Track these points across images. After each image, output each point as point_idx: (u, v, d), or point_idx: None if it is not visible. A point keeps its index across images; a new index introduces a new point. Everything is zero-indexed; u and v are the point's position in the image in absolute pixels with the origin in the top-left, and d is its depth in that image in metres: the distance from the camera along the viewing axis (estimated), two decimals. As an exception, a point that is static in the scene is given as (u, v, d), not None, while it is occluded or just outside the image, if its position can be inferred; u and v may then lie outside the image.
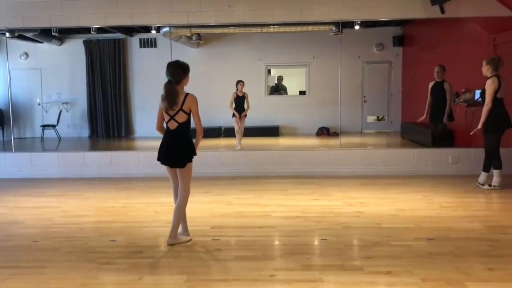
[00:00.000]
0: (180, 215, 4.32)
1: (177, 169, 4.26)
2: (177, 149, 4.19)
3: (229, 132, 10.23)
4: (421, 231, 4.57)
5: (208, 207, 5.66)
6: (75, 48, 12.56)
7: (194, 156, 4.26)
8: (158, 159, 4.31)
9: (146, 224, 5.01)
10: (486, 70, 6.12)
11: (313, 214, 5.24)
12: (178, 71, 4.15)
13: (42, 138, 11.69)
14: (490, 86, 5.99)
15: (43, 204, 5.98)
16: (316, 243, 4.38)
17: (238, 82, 9.50)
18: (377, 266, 3.68)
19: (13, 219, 5.31)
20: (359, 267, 3.66)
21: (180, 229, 4.39)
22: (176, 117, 4.14)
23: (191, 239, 4.38)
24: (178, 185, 4.32)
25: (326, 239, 4.39)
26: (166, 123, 4.23)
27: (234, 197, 6.19)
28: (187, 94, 4.14)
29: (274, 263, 3.84)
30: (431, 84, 7.94)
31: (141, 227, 4.90)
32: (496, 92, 5.98)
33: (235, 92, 9.43)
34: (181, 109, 4.11)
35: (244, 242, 4.37)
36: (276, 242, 4.44)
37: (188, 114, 4.17)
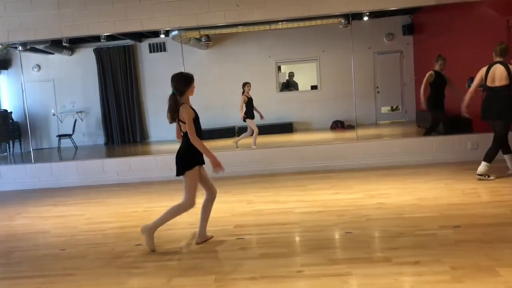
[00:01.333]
0: (164, 216, 4.29)
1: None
2: (177, 157, 4.24)
3: (243, 132, 10.24)
4: (445, 219, 4.52)
5: (229, 207, 5.67)
6: (86, 57, 12.68)
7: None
8: None
9: (170, 227, 5.00)
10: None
11: (334, 208, 5.23)
12: (180, 83, 4.17)
13: (59, 148, 11.82)
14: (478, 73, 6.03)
15: (66, 213, 6.06)
16: (340, 237, 4.36)
17: (246, 84, 9.40)
18: (404, 256, 3.65)
19: (38, 229, 5.39)
20: (386, 259, 3.64)
21: (150, 225, 4.33)
22: (182, 127, 4.20)
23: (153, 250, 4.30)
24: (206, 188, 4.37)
25: (350, 232, 4.37)
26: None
27: (253, 195, 6.20)
28: (181, 104, 4.15)
29: (300, 259, 3.83)
30: (432, 73, 7.94)
31: (165, 230, 4.90)
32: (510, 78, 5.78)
33: (245, 95, 9.33)
34: (179, 119, 4.15)
35: (268, 240, 4.38)
36: (300, 238, 4.43)
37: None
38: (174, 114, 4.15)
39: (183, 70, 4.33)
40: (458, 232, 4.13)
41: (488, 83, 5.93)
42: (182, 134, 4.24)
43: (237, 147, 9.19)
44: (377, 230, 4.45)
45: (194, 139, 4.12)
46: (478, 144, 7.33)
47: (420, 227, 4.35)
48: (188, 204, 4.24)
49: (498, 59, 5.91)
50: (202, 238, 4.44)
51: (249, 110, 9.32)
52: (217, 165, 4.15)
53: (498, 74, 5.83)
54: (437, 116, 8.19)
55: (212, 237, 4.54)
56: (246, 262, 3.85)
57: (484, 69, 6.00)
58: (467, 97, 6.13)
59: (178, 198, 6.34)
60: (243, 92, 9.32)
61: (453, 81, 8.65)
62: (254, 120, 9.32)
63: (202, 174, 4.36)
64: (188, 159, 4.20)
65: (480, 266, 3.36)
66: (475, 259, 3.49)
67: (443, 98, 8.09)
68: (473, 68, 8.27)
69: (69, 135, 11.82)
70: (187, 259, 4.05)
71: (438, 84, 7.97)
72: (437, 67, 8.00)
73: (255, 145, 9.27)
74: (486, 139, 7.29)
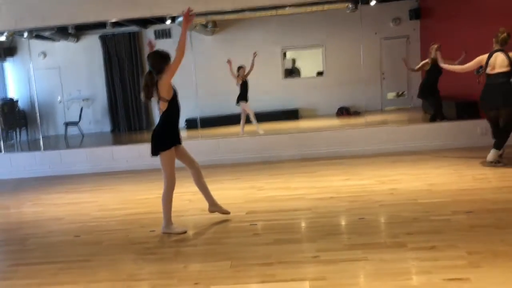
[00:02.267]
0: (164, 205, 4.34)
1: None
2: (153, 137, 4.23)
3: (248, 118, 10.23)
4: (458, 205, 4.54)
5: (240, 193, 5.69)
6: (92, 44, 12.63)
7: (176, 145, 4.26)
8: None
9: (183, 213, 5.07)
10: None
11: (346, 194, 5.25)
12: (156, 61, 4.14)
13: (65, 135, 11.84)
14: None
15: (78, 200, 6.09)
16: (354, 222, 4.38)
17: (241, 67, 9.43)
18: (420, 241, 3.67)
19: (51, 216, 5.43)
20: (401, 244, 3.66)
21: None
22: (160, 105, 4.15)
23: (185, 231, 4.36)
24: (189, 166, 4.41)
25: (364, 218, 4.39)
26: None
27: (264, 182, 6.21)
28: (157, 81, 4.09)
29: (315, 244, 3.85)
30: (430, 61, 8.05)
31: (178, 216, 4.93)
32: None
33: (241, 77, 9.37)
34: (160, 97, 4.10)
35: (281, 226, 4.40)
36: (314, 224, 4.44)
37: (168, 102, 4.12)
38: (148, 91, 4.10)
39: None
40: (472, 218, 4.14)
41: (489, 71, 5.92)
42: (159, 113, 4.20)
43: (243, 134, 9.20)
44: (390, 215, 4.46)
45: (180, 51, 4.03)
46: (487, 130, 7.29)
47: (433, 212, 4.36)
48: (170, 183, 4.30)
49: (498, 47, 5.91)
50: (214, 207, 4.57)
51: (243, 93, 9.32)
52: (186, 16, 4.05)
53: (499, 61, 5.84)
54: (433, 103, 8.21)
55: (228, 212, 4.61)
56: (260, 248, 3.87)
57: (485, 57, 5.99)
58: (454, 67, 6.37)
59: (188, 185, 6.42)
60: (239, 76, 9.37)
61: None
62: (248, 104, 9.31)
63: (181, 151, 4.36)
64: (164, 139, 4.19)
65: (496, 251, 3.37)
66: (490, 244, 3.51)
67: (437, 85, 8.21)
68: (481, 53, 8.24)
69: (76, 123, 11.83)
70: (202, 245, 4.08)
71: (434, 72, 8.00)
72: (433, 55, 7.97)
73: (243, 132, 9.25)
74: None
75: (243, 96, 9.30)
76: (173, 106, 4.17)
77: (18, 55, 12.26)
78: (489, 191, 4.93)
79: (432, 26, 11.66)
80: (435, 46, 7.74)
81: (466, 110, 8.33)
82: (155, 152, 4.25)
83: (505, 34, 5.87)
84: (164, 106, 4.13)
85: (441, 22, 10.99)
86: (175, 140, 4.28)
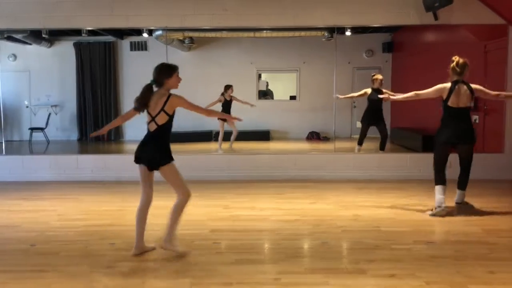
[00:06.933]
0: (173, 218, 4.12)
1: (160, 171, 4.08)
2: (153, 151, 4.04)
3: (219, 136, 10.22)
4: (419, 235, 4.61)
5: (205, 211, 5.63)
6: (65, 50, 12.42)
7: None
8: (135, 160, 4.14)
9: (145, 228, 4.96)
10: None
11: (311, 218, 5.26)
12: (158, 72, 4.05)
13: (30, 141, 11.51)
14: None
15: (37, 208, 5.89)
16: (317, 246, 4.38)
17: (230, 86, 9.52)
18: (381, 269, 3.70)
19: (8, 223, 5.22)
20: (362, 270, 3.68)
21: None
22: (157, 119, 3.99)
23: (185, 254, 4.13)
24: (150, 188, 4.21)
25: (326, 242, 4.40)
26: (147, 124, 4.09)
27: (230, 201, 6.17)
28: (170, 94, 4.01)
29: (277, 266, 3.83)
30: (369, 90, 8.44)
31: (139, 231, 4.86)
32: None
33: (223, 96, 9.46)
34: (162, 109, 3.96)
35: (245, 246, 4.36)
36: (277, 246, 4.43)
37: (170, 116, 4.02)
38: (141, 102, 3.99)
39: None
40: (432, 248, 4.22)
41: (453, 104, 5.36)
42: (156, 127, 4.00)
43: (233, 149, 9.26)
44: (353, 241, 4.49)
45: (201, 109, 4.17)
46: (450, 163, 7.49)
47: (395, 240, 4.42)
48: (184, 197, 4.08)
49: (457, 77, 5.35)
50: (140, 250, 4.15)
51: (226, 112, 9.38)
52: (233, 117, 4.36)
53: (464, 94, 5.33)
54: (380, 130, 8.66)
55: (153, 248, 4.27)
56: (222, 267, 3.82)
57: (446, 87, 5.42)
58: (400, 97, 6.03)
59: (153, 199, 6.30)
60: (223, 94, 9.42)
61: (427, 100, 8.85)
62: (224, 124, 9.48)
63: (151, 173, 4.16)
64: (166, 152, 4.06)
65: (453, 282, 3.44)
66: (448, 275, 3.57)
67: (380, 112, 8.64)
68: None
69: (42, 129, 11.53)
70: (162, 261, 3.99)
71: (374, 101, 8.32)
72: (375, 85, 8.38)
73: (221, 149, 9.30)
74: (458, 159, 7.51)
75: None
76: (171, 122, 4.08)
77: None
78: (450, 223, 5.03)
79: (403, 60, 12.02)
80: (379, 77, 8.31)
81: (431, 143, 8.54)
82: (157, 165, 4.06)
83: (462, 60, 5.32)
84: (164, 120, 4.00)
85: (412, 56, 11.35)
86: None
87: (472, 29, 7.79)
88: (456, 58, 5.39)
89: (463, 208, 5.51)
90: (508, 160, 7.43)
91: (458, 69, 5.33)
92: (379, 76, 8.47)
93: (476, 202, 5.80)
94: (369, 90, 8.49)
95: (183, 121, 10.62)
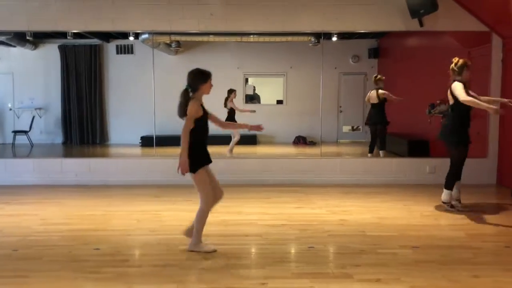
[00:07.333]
0: (197, 223, 4.26)
1: None
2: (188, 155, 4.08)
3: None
4: (405, 239, 4.64)
5: (191, 215, 5.49)
6: (50, 53, 12.28)
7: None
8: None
9: (130, 233, 4.92)
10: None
11: (298, 222, 5.26)
12: (195, 79, 4.14)
13: (13, 144, 11.34)
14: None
15: (19, 212, 5.79)
16: (303, 251, 4.38)
17: (233, 91, 9.62)
18: (366, 273, 3.71)
19: (-11, 227, 5.13)
20: (348, 275, 3.69)
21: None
22: (186, 123, 4.07)
23: (215, 250, 4.25)
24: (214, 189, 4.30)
25: (313, 247, 4.40)
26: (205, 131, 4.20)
27: (217, 205, 6.12)
28: (191, 99, 4.08)
29: (263, 271, 3.82)
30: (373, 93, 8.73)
31: (124, 235, 4.82)
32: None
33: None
34: (186, 114, 4.05)
35: (231, 251, 4.34)
36: (264, 250, 4.42)
37: (199, 121, 4.06)
38: (182, 110, 4.05)
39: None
40: (417, 253, 4.25)
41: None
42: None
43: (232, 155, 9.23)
44: (339, 246, 4.50)
45: (184, 134, 4.01)
46: (435, 168, 7.59)
47: (381, 245, 4.44)
48: (206, 202, 4.18)
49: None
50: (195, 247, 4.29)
51: (231, 116, 9.41)
52: (183, 168, 4.02)
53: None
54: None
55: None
56: (209, 272, 3.80)
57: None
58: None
59: (138, 203, 6.28)
60: (229, 98, 9.49)
61: (413, 106, 8.99)
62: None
63: (209, 172, 4.24)
64: (194, 158, 4.06)
65: (438, 286, 3.47)
66: (433, 280, 3.60)
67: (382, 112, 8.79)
68: (433, 95, 8.64)
69: (26, 132, 11.37)
70: (148, 266, 3.95)
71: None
72: (380, 85, 8.69)
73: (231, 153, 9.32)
74: (443, 164, 7.55)
75: (232, 120, 9.41)
76: (200, 126, 4.08)
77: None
78: (435, 228, 5.08)
79: (389, 66, 12.13)
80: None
81: (416, 148, 8.67)
82: (191, 170, 4.08)
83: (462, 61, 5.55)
84: (191, 124, 4.01)
85: (398, 62, 11.46)
86: (206, 159, 4.18)
87: (457, 35, 7.90)
88: (455, 59, 5.63)
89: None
90: (492, 164, 7.53)
91: (456, 70, 5.56)
92: (383, 77, 8.84)
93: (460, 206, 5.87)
94: (373, 93, 8.75)
95: (168, 125, 10.60)
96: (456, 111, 5.59)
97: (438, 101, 9.02)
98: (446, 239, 4.66)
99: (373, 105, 8.76)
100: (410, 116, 8.79)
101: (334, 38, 8.54)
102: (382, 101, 8.63)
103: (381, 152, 8.59)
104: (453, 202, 5.75)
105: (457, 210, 5.70)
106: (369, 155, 8.69)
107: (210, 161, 4.23)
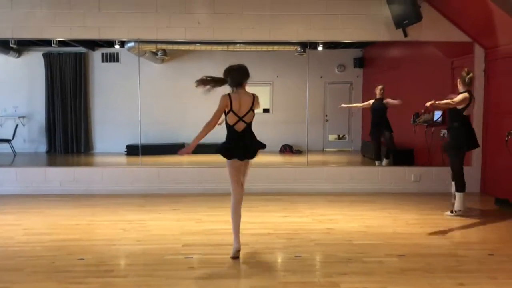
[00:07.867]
0: (231, 218, 4.45)
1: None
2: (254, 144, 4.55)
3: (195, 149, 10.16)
4: (391, 248, 4.66)
5: (177, 225, 5.55)
6: (34, 61, 12.15)
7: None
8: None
9: (115, 242, 4.86)
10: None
11: (284, 231, 5.26)
12: (242, 73, 4.70)
13: (-5, 153, 11.17)
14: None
15: (1, 222, 5.69)
16: (290, 260, 4.37)
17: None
18: (353, 282, 3.72)
19: (-30, 238, 5.02)
20: (335, 284, 3.68)
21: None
22: (246, 118, 4.44)
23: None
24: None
25: (300, 256, 4.40)
26: (234, 125, 4.40)
27: (203, 214, 6.11)
28: (253, 94, 4.53)
29: (250, 281, 3.81)
30: (372, 101, 8.94)
31: (109, 245, 4.75)
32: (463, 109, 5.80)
33: None
34: (251, 109, 4.45)
35: (217, 260, 4.31)
36: (250, 260, 4.39)
37: (225, 114, 4.43)
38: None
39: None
40: (403, 261, 4.26)
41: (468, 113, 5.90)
42: (245, 125, 4.47)
43: None
44: (325, 255, 4.50)
45: (207, 123, 4.39)
46: (420, 177, 7.66)
47: (367, 254, 4.45)
48: (233, 195, 4.45)
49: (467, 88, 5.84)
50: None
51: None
52: (186, 151, 4.31)
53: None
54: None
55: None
56: (194, 283, 3.77)
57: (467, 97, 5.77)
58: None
59: (123, 213, 6.22)
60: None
61: (398, 115, 9.08)
62: None
63: (241, 169, 4.50)
64: (223, 147, 4.38)
65: (424, 294, 3.48)
66: (419, 287, 3.61)
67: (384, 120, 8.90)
68: (417, 104, 8.75)
69: (9, 140, 11.21)
70: (133, 277, 3.90)
71: (376, 110, 8.88)
72: (379, 95, 8.86)
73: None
74: (428, 172, 7.69)
75: None
76: (229, 119, 4.39)
77: None
78: (421, 236, 5.11)
79: (374, 75, 12.26)
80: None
81: (401, 157, 8.75)
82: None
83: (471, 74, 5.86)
84: (251, 118, 4.52)
85: (382, 72, 11.59)
86: (235, 154, 4.40)
87: (440, 46, 8.02)
88: (465, 70, 5.94)
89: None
90: (476, 173, 7.62)
91: (467, 80, 5.86)
92: (382, 86, 8.94)
93: (444, 215, 5.93)
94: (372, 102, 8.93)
95: (153, 134, 10.56)
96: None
97: (422, 110, 9.12)
98: (431, 247, 4.69)
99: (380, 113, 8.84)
100: (395, 125, 8.87)
101: (320, 48, 8.58)
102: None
103: (385, 161, 8.73)
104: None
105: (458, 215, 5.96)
106: (376, 163, 8.78)
107: (241, 159, 4.46)
